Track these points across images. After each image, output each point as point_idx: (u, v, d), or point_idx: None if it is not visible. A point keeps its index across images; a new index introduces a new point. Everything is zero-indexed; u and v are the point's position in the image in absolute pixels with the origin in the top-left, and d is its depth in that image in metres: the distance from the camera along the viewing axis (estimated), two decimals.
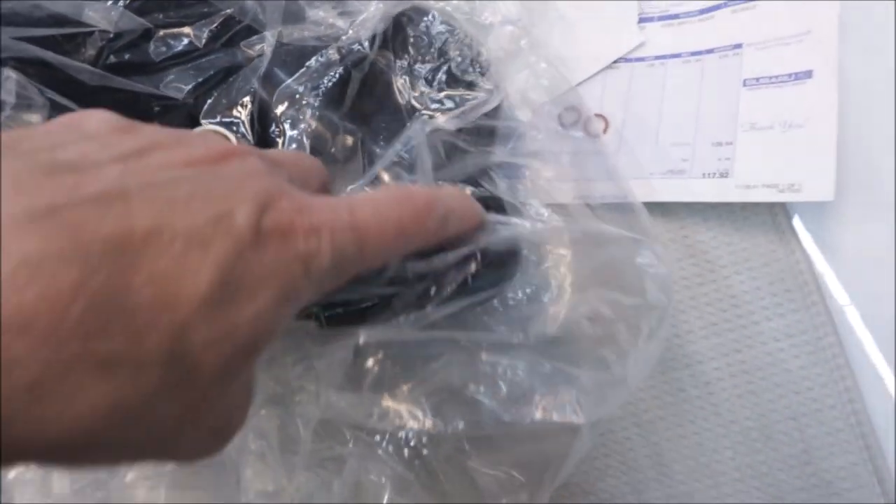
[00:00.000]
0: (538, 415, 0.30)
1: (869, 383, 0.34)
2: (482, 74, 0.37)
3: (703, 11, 0.39)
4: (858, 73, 0.35)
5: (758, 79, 0.37)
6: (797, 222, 0.36)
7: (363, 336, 0.28)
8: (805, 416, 0.34)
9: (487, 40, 0.40)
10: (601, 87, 0.40)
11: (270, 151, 0.24)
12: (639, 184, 0.38)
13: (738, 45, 0.38)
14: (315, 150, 0.33)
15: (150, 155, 0.19)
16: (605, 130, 0.40)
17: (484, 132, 0.36)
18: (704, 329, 0.36)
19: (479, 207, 0.28)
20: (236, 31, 0.34)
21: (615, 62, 0.40)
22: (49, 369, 0.15)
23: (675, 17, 0.40)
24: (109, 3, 0.32)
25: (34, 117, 0.31)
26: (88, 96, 0.31)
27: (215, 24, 0.33)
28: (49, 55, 0.31)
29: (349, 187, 0.32)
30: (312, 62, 0.34)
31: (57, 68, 0.31)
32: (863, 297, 0.34)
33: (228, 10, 0.34)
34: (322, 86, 0.33)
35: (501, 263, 0.30)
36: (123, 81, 0.32)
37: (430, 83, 0.36)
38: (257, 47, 0.34)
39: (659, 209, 0.38)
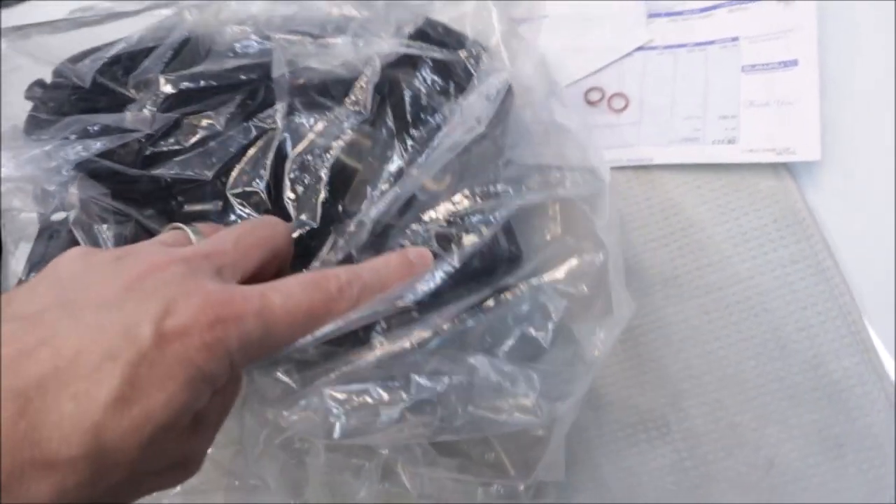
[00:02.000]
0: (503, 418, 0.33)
1: (864, 295, 0.41)
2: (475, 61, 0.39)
3: (703, 10, 0.47)
4: (836, 60, 0.44)
5: (753, 66, 0.45)
6: (793, 174, 0.43)
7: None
8: (813, 327, 0.41)
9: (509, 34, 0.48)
10: (619, 72, 0.48)
11: (213, 239, 0.28)
12: (658, 149, 0.45)
13: (736, 38, 0.46)
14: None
15: (88, 287, 0.24)
16: (625, 107, 0.47)
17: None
18: (721, 262, 0.43)
19: (408, 270, 0.31)
20: (251, 110, 0.38)
21: (630, 52, 0.48)
22: (14, 472, 0.21)
23: (680, 13, 0.48)
24: (145, 109, 0.37)
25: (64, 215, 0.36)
26: (135, 186, 0.36)
27: (232, 107, 0.38)
28: (104, 163, 0.36)
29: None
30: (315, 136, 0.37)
31: (110, 173, 0.36)
32: (850, 227, 0.42)
33: (242, 95, 0.38)
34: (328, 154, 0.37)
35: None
36: (159, 171, 0.36)
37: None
38: (268, 120, 0.38)
39: (677, 169, 0.45)
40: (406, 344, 0.31)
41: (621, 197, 0.45)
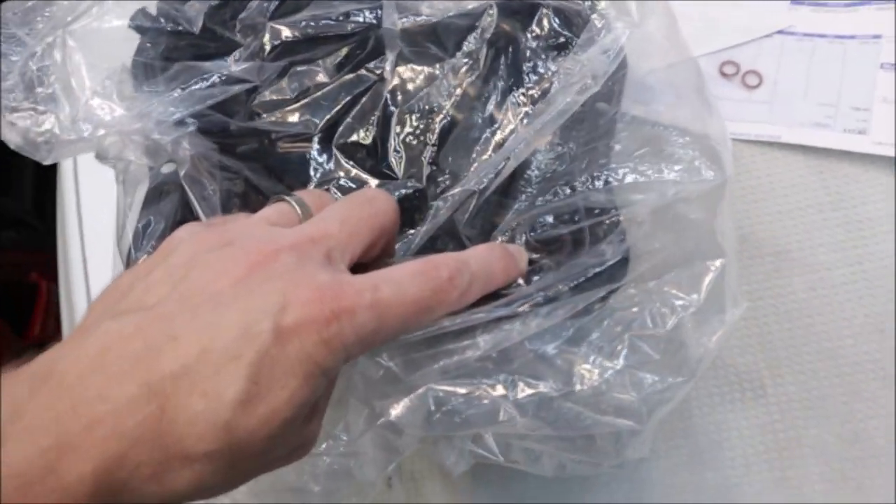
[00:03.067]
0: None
1: None
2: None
3: (848, 5, 0.49)
4: None
5: (893, 64, 0.47)
6: None
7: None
8: None
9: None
10: (757, 51, 0.50)
11: (320, 219, 0.28)
12: (788, 129, 0.47)
13: (878, 36, 0.48)
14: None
15: (201, 277, 0.25)
16: (759, 85, 0.49)
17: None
18: (833, 244, 0.45)
19: (512, 263, 0.31)
20: (359, 59, 0.37)
21: (770, 34, 0.50)
22: (158, 465, 0.22)
23: (824, 4, 0.50)
24: (254, 58, 0.36)
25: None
26: (243, 139, 0.36)
27: (340, 57, 0.36)
28: (215, 116, 0.35)
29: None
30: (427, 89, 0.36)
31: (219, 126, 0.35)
32: None
33: (352, 43, 0.37)
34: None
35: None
36: (265, 123, 0.35)
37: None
38: (377, 71, 0.36)
39: (804, 151, 0.47)
40: (509, 342, 0.31)
41: (745, 169, 0.47)
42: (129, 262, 0.34)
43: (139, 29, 0.37)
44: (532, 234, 0.33)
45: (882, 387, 0.43)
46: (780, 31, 0.50)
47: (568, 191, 0.33)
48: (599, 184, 0.33)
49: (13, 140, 0.33)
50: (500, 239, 0.33)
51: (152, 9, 0.38)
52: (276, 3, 0.36)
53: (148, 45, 0.37)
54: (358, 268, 0.28)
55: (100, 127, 0.33)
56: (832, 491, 0.42)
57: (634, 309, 0.33)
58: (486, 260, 0.29)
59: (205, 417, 0.22)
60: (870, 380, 0.43)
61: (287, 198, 0.29)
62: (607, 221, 0.33)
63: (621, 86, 0.37)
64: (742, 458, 0.43)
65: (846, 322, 0.44)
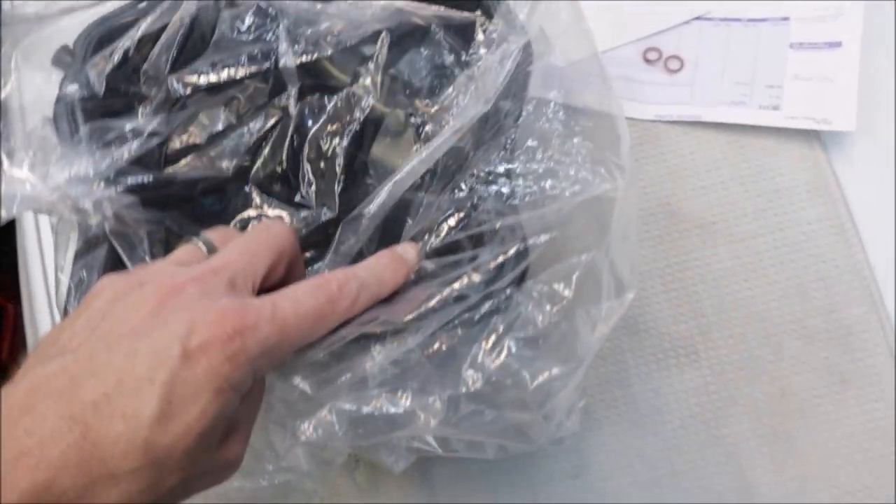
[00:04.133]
0: None
1: (876, 254, 0.46)
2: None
3: None
4: (878, 44, 0.49)
5: (801, 43, 0.50)
6: (825, 145, 0.49)
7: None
8: (830, 278, 0.46)
9: None
10: (677, 37, 0.52)
11: (222, 252, 0.31)
12: (708, 109, 0.50)
13: (787, 18, 0.51)
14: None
15: (118, 318, 0.27)
16: (680, 69, 0.52)
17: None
18: (755, 214, 0.48)
19: (400, 265, 0.33)
20: (263, 98, 0.38)
21: (689, 20, 0.52)
22: (85, 488, 0.25)
23: None
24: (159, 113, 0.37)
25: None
26: (160, 190, 0.37)
27: (244, 98, 0.38)
28: (133, 170, 0.36)
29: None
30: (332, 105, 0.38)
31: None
32: (870, 195, 0.47)
33: (256, 84, 0.38)
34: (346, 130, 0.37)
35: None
36: (179, 172, 0.37)
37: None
38: (282, 106, 0.38)
39: (723, 128, 0.49)
40: (399, 354, 0.33)
41: (670, 149, 0.50)
42: (65, 315, 0.36)
43: (61, 65, 0.38)
44: (434, 241, 0.35)
45: (805, 344, 0.46)
46: (698, 18, 0.52)
47: (464, 191, 0.35)
48: (494, 189, 0.36)
49: None
50: None
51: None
52: (175, 53, 0.37)
53: (66, 93, 0.38)
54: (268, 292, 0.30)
55: (23, 201, 0.34)
56: (764, 444, 0.45)
57: (515, 311, 0.35)
58: (373, 268, 0.33)
59: (126, 437, 0.25)
60: (794, 339, 0.46)
61: (193, 238, 0.32)
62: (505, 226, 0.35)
63: (525, 82, 0.38)
64: (679, 421, 0.46)
65: (770, 287, 0.47)
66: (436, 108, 0.38)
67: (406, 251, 0.34)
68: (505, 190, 0.36)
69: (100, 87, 0.37)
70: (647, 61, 0.52)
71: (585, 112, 0.38)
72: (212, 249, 0.32)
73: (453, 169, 0.36)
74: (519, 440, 0.37)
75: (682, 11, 0.53)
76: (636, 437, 0.46)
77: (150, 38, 0.37)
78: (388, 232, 0.36)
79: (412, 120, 0.39)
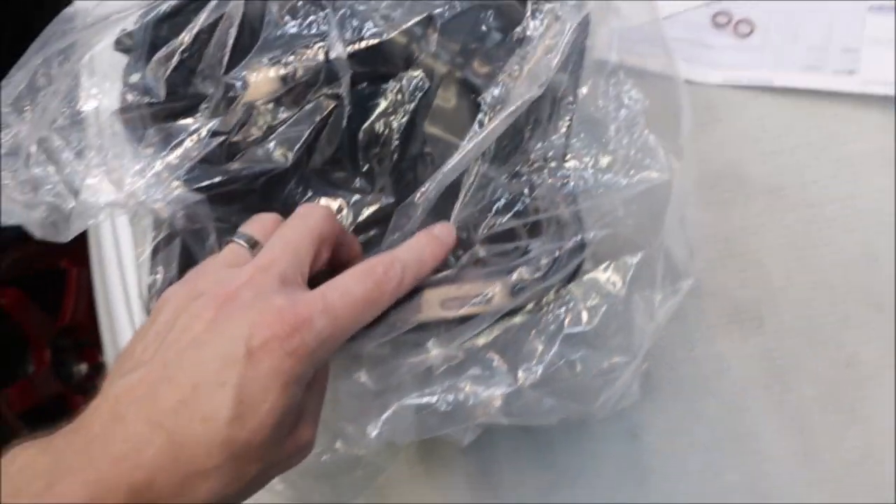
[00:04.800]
0: None
1: None
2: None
3: None
4: None
5: (881, 6, 0.49)
6: None
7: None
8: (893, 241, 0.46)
9: None
10: (749, 0, 0.51)
11: (266, 249, 0.32)
12: (779, 73, 0.49)
13: None
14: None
15: (182, 330, 0.29)
16: (750, 32, 0.51)
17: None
18: (825, 180, 0.47)
19: (437, 244, 0.35)
20: (316, 88, 0.38)
21: None
22: (179, 485, 0.27)
23: None
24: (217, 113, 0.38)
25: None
26: (226, 186, 0.38)
27: (299, 88, 0.38)
28: (200, 170, 0.37)
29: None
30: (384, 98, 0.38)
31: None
32: None
33: (309, 75, 0.38)
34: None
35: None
36: (242, 166, 0.37)
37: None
38: (334, 96, 0.38)
39: (795, 93, 0.49)
40: (457, 351, 0.35)
41: (738, 114, 0.49)
42: (148, 311, 0.38)
43: (124, 50, 0.40)
44: (486, 231, 0.36)
45: (873, 313, 0.45)
46: None
47: (520, 175, 0.36)
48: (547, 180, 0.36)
49: (34, 231, 0.37)
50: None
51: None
52: (229, 51, 0.38)
53: (131, 91, 0.39)
54: (322, 276, 0.32)
55: (103, 209, 0.36)
56: (828, 412, 0.45)
57: (563, 308, 0.36)
58: (414, 249, 0.34)
59: (207, 437, 0.27)
60: (862, 308, 0.45)
61: (235, 239, 0.34)
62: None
63: (580, 59, 0.38)
64: (742, 385, 0.46)
65: (838, 255, 0.46)
66: (497, 72, 0.38)
67: (441, 232, 0.36)
68: (560, 175, 0.36)
69: (160, 90, 0.38)
70: (717, 25, 0.51)
71: (647, 77, 0.38)
72: (253, 244, 0.33)
73: (508, 150, 0.37)
74: (581, 413, 0.38)
75: None
76: (696, 400, 0.46)
77: (204, 36, 0.38)
78: (440, 212, 0.36)
79: (470, 80, 0.39)
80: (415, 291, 0.35)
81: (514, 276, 0.36)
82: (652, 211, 0.35)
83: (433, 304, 0.36)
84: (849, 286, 0.46)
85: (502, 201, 0.37)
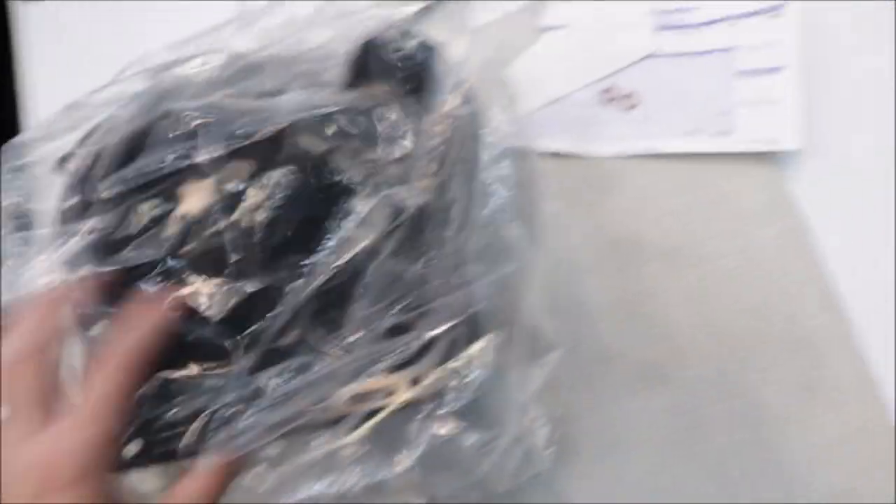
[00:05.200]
0: None
1: (835, 264, 0.48)
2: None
3: (704, 23, 0.55)
4: (818, 65, 0.52)
5: (746, 71, 0.53)
6: (779, 164, 0.51)
7: None
8: (793, 291, 0.49)
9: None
10: (631, 75, 0.56)
11: (69, 420, 0.31)
12: (665, 141, 0.53)
13: (732, 48, 0.54)
14: None
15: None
16: (636, 105, 0.55)
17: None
18: (717, 236, 0.51)
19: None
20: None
21: (641, 59, 0.56)
22: None
23: (684, 27, 0.56)
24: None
25: None
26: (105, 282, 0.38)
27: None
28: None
29: None
30: None
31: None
32: (825, 210, 0.50)
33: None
34: None
35: None
36: (118, 264, 0.39)
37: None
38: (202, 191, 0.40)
39: (681, 158, 0.52)
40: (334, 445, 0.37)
41: (628, 184, 0.53)
42: None
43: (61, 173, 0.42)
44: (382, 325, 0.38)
45: (771, 357, 0.48)
46: (649, 56, 0.56)
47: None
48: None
49: None
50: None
51: None
52: (117, 160, 0.40)
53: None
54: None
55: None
56: (742, 456, 0.47)
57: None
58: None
59: None
60: (761, 353, 0.48)
61: (8, 409, 0.32)
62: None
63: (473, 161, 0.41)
64: (658, 441, 0.48)
65: (735, 305, 0.49)
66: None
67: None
68: (450, 267, 0.39)
69: (65, 196, 0.41)
70: (604, 101, 0.56)
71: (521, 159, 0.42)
72: (37, 409, 0.32)
73: (403, 244, 0.39)
74: (469, 486, 0.40)
75: (634, 51, 0.56)
76: (617, 461, 0.48)
77: (104, 148, 0.40)
78: (332, 304, 0.38)
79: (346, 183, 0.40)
80: (321, 391, 0.38)
81: (413, 367, 0.39)
82: (517, 292, 0.38)
83: (339, 402, 0.39)
84: (747, 334, 0.49)
85: (398, 295, 0.40)
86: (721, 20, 0.55)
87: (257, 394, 0.37)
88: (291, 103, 0.39)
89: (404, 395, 0.38)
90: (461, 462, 0.37)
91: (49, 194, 0.43)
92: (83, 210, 0.41)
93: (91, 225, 0.39)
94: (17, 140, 0.43)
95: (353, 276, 0.39)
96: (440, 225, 0.41)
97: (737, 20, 0.54)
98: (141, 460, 0.36)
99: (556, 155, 0.55)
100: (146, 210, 0.41)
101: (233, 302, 0.38)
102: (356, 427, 0.38)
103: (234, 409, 0.36)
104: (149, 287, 0.40)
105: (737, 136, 0.51)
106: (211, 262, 0.40)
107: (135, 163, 0.41)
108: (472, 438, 0.36)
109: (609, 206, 0.52)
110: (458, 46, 0.43)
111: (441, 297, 0.39)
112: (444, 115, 0.41)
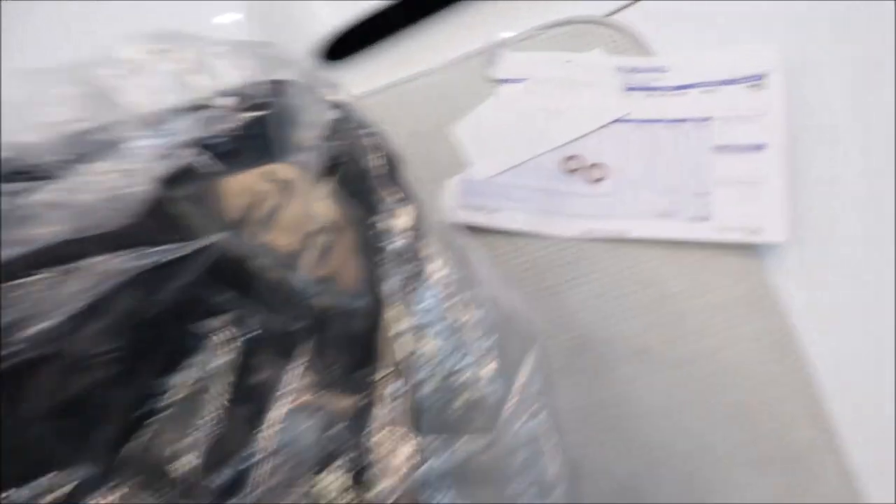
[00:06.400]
0: None
1: (821, 371, 0.44)
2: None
3: (677, 88, 0.50)
4: (804, 144, 0.47)
5: (725, 146, 0.48)
6: (760, 254, 0.46)
7: None
8: (776, 399, 0.44)
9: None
10: (598, 142, 0.50)
11: None
12: (635, 222, 0.47)
13: (708, 119, 0.48)
14: None
15: None
16: (603, 178, 0.49)
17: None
18: (692, 335, 0.45)
19: None
20: None
21: (609, 123, 0.50)
22: None
23: (655, 89, 0.50)
24: None
25: None
26: None
27: None
28: None
29: None
30: None
31: None
32: (811, 307, 0.45)
33: None
34: None
35: None
36: None
37: None
38: None
39: (653, 243, 0.47)
40: None
41: (596, 269, 0.47)
42: None
43: None
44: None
45: (755, 473, 0.43)
46: (617, 120, 0.50)
47: None
48: None
49: None
50: None
51: None
52: None
53: None
54: None
55: None
56: None
57: None
58: None
59: None
60: (742, 467, 0.44)
61: None
62: None
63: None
64: None
65: (714, 415, 0.44)
66: None
67: None
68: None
69: None
70: (568, 171, 0.50)
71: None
72: None
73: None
74: None
75: (601, 113, 0.50)
76: None
77: None
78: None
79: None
80: None
81: None
82: None
83: None
84: (727, 446, 0.44)
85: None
86: (696, 85, 0.49)
87: None
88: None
89: None
90: None
91: None
92: None
93: None
94: None
95: None
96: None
97: (715, 88, 0.49)
98: None
99: (512, 234, 0.48)
100: None
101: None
102: None
103: None
104: None
105: (715, 222, 0.46)
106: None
107: None
108: None
109: (578, 296, 0.46)
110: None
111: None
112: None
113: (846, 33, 0.50)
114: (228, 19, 0.55)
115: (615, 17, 0.52)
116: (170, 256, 0.28)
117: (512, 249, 0.48)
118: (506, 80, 0.52)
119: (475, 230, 0.48)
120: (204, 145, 0.31)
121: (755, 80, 0.48)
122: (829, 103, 0.48)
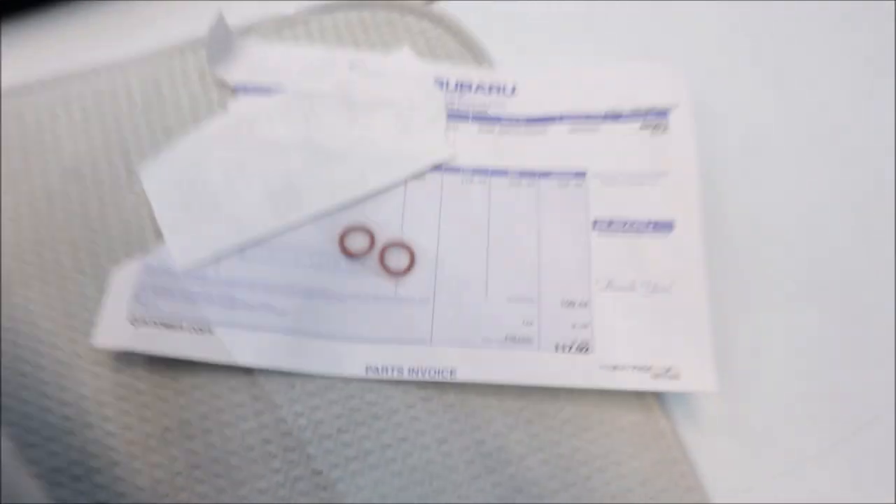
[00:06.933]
0: None
1: None
2: None
3: (532, 120, 0.30)
4: (724, 223, 0.29)
5: (610, 222, 0.28)
6: (663, 404, 0.27)
7: None
8: None
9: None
10: (401, 205, 0.28)
11: None
12: (465, 353, 0.26)
13: (581, 174, 0.29)
14: None
15: None
16: (409, 268, 0.28)
17: None
18: (577, 460, 0.25)
19: None
20: None
21: (422, 174, 0.29)
22: None
23: (497, 119, 0.30)
24: None
25: None
26: None
27: None
28: None
29: None
30: None
31: None
32: (737, 476, 0.27)
33: None
34: None
35: None
36: None
37: None
38: None
39: (496, 390, 0.26)
40: None
41: (398, 435, 0.25)
42: None
43: None
44: None
45: None
46: (438, 168, 0.29)
47: None
48: None
49: None
50: None
51: None
52: None
53: None
54: None
55: None
56: None
57: None
58: None
59: None
60: None
61: None
62: None
63: None
64: None
65: None
66: None
67: None
68: None
69: None
70: (348, 254, 0.28)
71: None
72: None
73: None
74: None
75: (407, 156, 0.29)
76: None
77: None
78: None
79: None
80: None
81: None
82: None
83: None
84: None
85: None
86: (563, 118, 0.30)
87: None
88: None
89: None
90: None
91: None
92: None
93: None
94: None
95: None
96: None
97: (592, 126, 0.30)
98: None
99: (235, 371, 0.25)
100: None
101: None
102: None
103: None
104: None
105: (600, 353, 0.26)
106: None
107: None
108: None
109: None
110: None
111: None
112: None
113: (769, 58, 0.33)
114: None
115: (437, 4, 0.32)
116: None
117: (233, 403, 0.25)
118: (244, 89, 0.29)
119: (157, 364, 0.25)
120: None
121: (654, 117, 0.30)
122: (757, 149, 0.31)
